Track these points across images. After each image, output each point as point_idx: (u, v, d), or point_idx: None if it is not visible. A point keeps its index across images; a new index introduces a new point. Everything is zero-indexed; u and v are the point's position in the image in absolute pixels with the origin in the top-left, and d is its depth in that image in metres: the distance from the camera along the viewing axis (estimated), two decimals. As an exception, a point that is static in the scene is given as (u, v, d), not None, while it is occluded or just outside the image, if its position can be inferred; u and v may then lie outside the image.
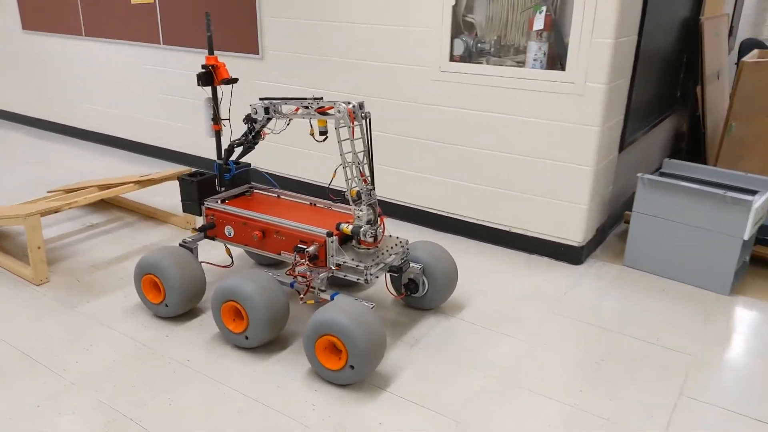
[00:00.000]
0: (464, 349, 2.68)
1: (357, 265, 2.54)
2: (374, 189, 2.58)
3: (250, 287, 2.50)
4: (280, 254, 2.76)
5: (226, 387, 2.41)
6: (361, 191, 2.55)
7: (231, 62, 4.51)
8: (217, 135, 3.04)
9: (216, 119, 2.98)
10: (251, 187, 3.18)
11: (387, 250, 2.68)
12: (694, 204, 3.16)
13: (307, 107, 2.59)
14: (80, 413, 2.25)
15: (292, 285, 2.69)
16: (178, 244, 2.94)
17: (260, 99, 2.77)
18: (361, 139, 2.51)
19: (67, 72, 5.72)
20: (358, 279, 2.56)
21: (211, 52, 2.92)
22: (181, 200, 3.03)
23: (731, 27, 6.83)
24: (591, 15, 3.04)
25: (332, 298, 2.56)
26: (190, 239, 2.97)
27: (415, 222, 3.99)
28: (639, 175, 3.30)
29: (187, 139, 5.07)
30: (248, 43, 4.27)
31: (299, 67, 4.15)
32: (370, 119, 2.54)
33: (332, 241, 2.57)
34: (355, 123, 2.48)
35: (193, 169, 3.22)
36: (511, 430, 2.20)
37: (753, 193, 3.22)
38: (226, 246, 3.03)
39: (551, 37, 3.27)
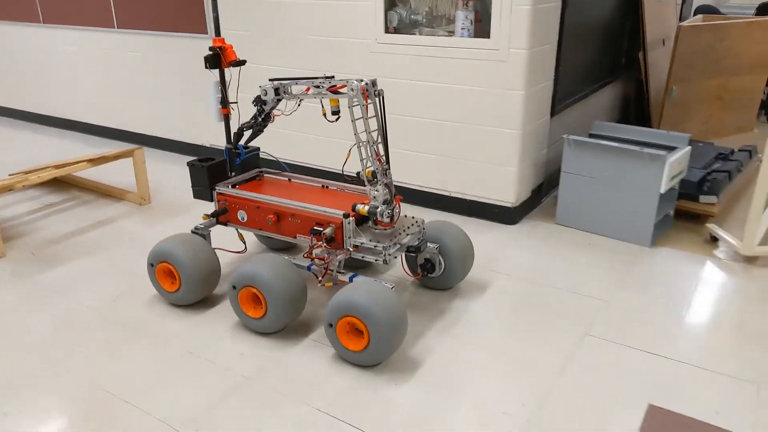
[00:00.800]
0: (392, 303, 2.85)
1: (375, 246, 2.50)
2: (389, 168, 2.54)
3: (267, 272, 2.47)
4: (295, 237, 2.72)
5: (165, 342, 2.58)
6: (376, 170, 2.50)
7: (180, 43, 4.64)
8: (226, 119, 2.97)
9: (224, 103, 2.91)
10: (261, 172, 3.13)
11: (404, 230, 2.65)
12: (615, 161, 3.33)
13: (318, 87, 2.54)
14: (27, 370, 2.41)
15: (309, 268, 2.68)
16: (190, 231, 2.91)
17: (270, 80, 2.71)
18: (375, 118, 2.47)
19: (28, 59, 5.82)
20: (376, 260, 2.52)
21: (218, 34, 2.83)
22: (192, 186, 2.97)
23: (683, -7, 6.98)
24: (510, -17, 3.18)
25: (351, 280, 2.55)
26: (202, 226, 2.92)
27: (363, 191, 4.14)
28: (564, 136, 3.47)
29: (149, 120, 5.19)
30: (196, 22, 4.39)
31: (248, 45, 4.27)
32: (383, 97, 2.50)
33: (349, 223, 2.54)
34: (369, 101, 2.43)
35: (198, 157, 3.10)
36: (431, 372, 2.38)
37: (672, 149, 3.39)
38: (238, 231, 3.01)
39: (477, 6, 3.41)
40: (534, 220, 3.75)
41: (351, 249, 2.57)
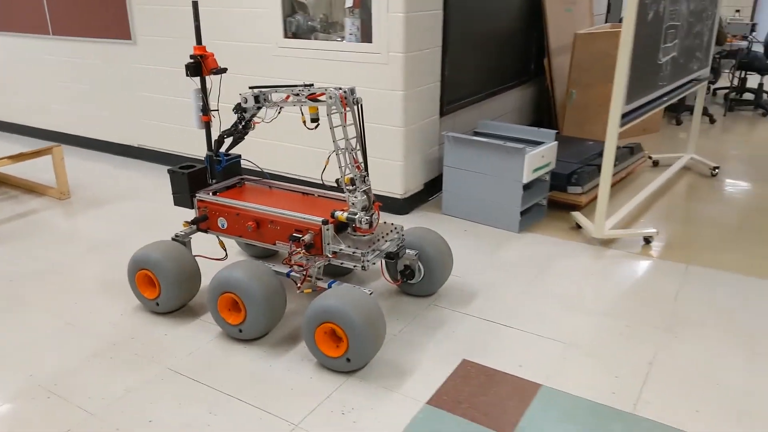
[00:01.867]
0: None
1: (354, 252, 2.54)
2: (368, 175, 2.58)
3: (246, 277, 2.49)
4: (275, 244, 2.74)
5: (46, 313, 2.86)
6: (355, 178, 2.54)
7: (104, 48, 4.91)
8: (207, 126, 2.96)
9: (205, 110, 2.91)
10: (242, 179, 3.14)
11: (383, 237, 2.70)
12: (485, 155, 3.66)
13: (297, 95, 2.58)
14: None
15: (288, 274, 2.70)
16: (170, 238, 2.92)
17: (250, 87, 2.74)
18: (353, 125, 2.52)
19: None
20: (355, 266, 2.55)
21: (199, 42, 2.87)
22: (172, 193, 2.96)
23: (609, 4, 7.40)
24: (385, -7, 3.51)
25: (329, 286, 2.58)
26: (182, 233, 2.93)
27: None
28: (444, 133, 3.79)
29: (79, 121, 5.46)
30: (120, 28, 4.68)
31: (169, 51, 4.57)
32: (361, 105, 2.54)
33: (328, 229, 2.57)
34: (347, 108, 2.49)
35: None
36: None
37: (539, 144, 3.72)
38: (219, 238, 3.01)
39: (362, 13, 3.73)
40: (424, 210, 4.07)
41: (330, 255, 2.61)
